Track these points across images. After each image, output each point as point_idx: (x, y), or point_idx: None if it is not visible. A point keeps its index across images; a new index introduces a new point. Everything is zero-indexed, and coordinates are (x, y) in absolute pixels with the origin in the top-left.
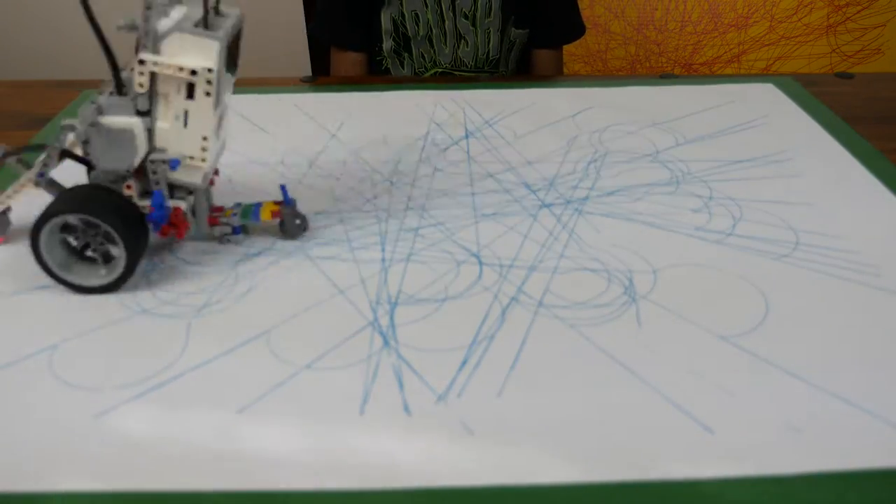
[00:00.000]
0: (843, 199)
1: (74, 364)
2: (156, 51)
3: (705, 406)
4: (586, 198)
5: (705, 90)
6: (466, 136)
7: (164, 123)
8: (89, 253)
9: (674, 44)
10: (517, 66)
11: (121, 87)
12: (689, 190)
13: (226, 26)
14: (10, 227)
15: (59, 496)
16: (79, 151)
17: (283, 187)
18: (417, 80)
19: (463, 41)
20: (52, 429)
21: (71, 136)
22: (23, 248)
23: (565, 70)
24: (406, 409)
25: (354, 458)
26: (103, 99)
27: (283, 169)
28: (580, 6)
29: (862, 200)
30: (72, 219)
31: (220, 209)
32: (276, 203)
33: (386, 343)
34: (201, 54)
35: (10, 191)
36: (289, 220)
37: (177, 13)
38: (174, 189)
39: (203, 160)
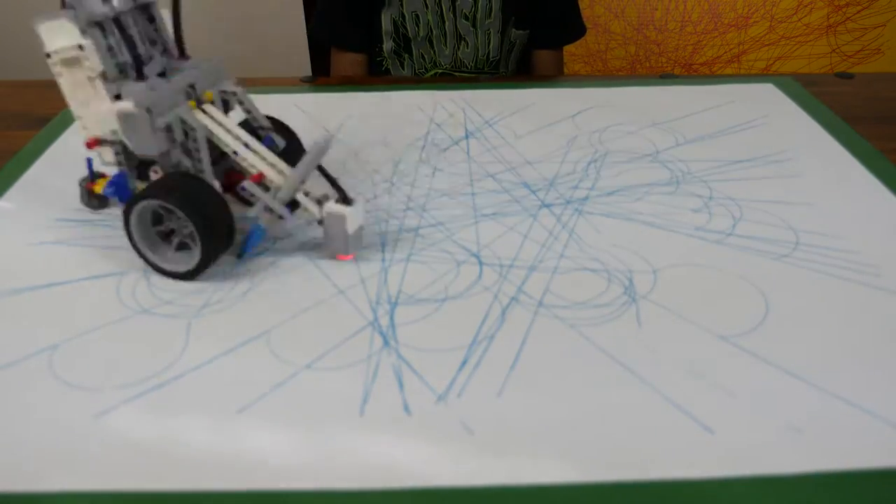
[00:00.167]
0: (843, 199)
1: (74, 364)
2: None
3: (705, 406)
4: (586, 198)
5: (705, 90)
6: (466, 137)
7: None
8: (175, 239)
9: (674, 44)
10: (517, 67)
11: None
12: (689, 190)
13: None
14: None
15: (59, 496)
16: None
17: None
18: (417, 81)
19: (463, 42)
20: (52, 429)
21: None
22: (23, 248)
23: (565, 70)
24: (406, 409)
25: (354, 458)
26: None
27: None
28: (580, 6)
29: (862, 200)
30: (154, 204)
31: None
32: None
33: (386, 343)
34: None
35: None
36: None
37: None
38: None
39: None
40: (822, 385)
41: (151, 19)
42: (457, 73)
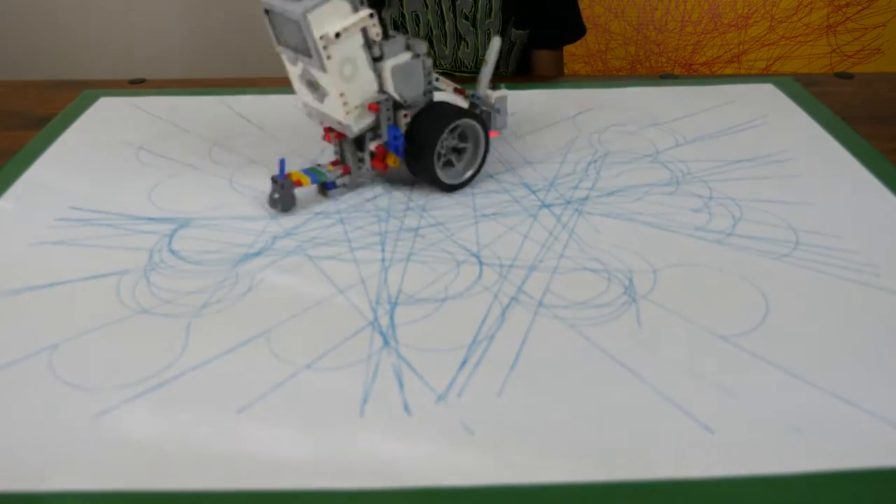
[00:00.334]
0: (843, 199)
1: (74, 364)
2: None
3: (705, 406)
4: (586, 198)
5: (705, 90)
6: None
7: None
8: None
9: (674, 44)
10: (517, 67)
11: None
12: (689, 190)
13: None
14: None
15: (59, 496)
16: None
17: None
18: None
19: (463, 42)
20: (52, 429)
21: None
22: (23, 248)
23: (565, 70)
24: (406, 409)
25: (354, 457)
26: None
27: None
28: (580, 6)
29: (862, 200)
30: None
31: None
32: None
33: (386, 343)
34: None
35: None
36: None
37: None
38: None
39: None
40: (822, 385)
41: None
42: (457, 73)
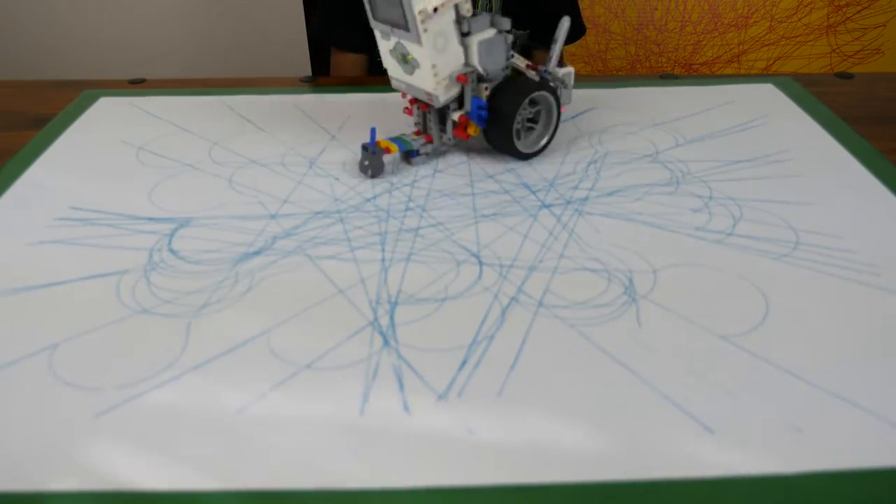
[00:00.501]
0: (843, 199)
1: (74, 364)
2: None
3: (705, 406)
4: (586, 198)
5: (705, 90)
6: None
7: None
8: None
9: (674, 44)
10: None
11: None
12: (689, 190)
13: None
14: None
15: (59, 496)
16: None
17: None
18: None
19: None
20: (52, 429)
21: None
22: (23, 248)
23: None
24: (406, 409)
25: (354, 457)
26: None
27: (282, 169)
28: (580, 6)
29: (862, 200)
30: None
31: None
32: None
33: (386, 343)
34: None
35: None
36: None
37: None
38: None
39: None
40: (822, 385)
41: None
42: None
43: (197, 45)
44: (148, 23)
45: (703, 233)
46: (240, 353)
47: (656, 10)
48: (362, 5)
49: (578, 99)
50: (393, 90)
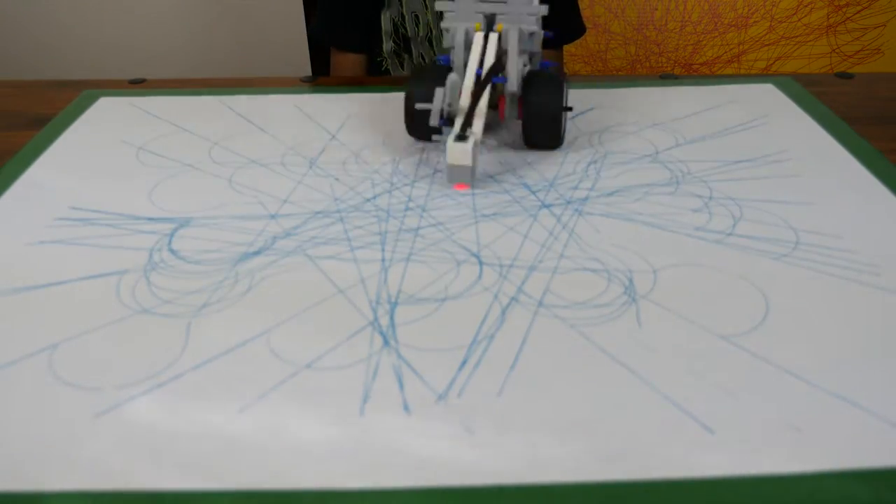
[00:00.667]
0: (842, 199)
1: (74, 364)
2: None
3: (705, 406)
4: (586, 198)
5: (705, 90)
6: None
7: None
8: None
9: (674, 44)
10: None
11: None
12: (689, 190)
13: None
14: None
15: (59, 496)
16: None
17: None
18: None
19: None
20: (52, 429)
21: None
22: (23, 248)
23: (565, 70)
24: (406, 408)
25: (354, 457)
26: None
27: (282, 169)
28: (580, 6)
29: (862, 200)
30: None
31: None
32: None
33: (386, 343)
34: None
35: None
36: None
37: None
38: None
39: None
40: (822, 385)
41: None
42: None
43: (197, 45)
44: (148, 23)
45: (703, 233)
46: (240, 353)
47: (656, 10)
48: (361, 5)
49: (578, 99)
50: (393, 90)
